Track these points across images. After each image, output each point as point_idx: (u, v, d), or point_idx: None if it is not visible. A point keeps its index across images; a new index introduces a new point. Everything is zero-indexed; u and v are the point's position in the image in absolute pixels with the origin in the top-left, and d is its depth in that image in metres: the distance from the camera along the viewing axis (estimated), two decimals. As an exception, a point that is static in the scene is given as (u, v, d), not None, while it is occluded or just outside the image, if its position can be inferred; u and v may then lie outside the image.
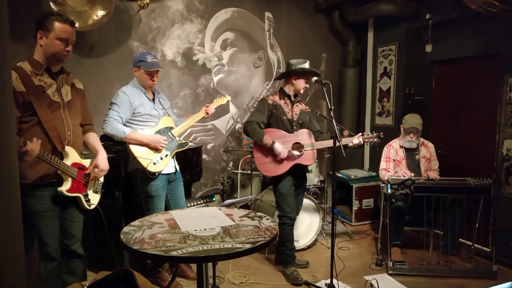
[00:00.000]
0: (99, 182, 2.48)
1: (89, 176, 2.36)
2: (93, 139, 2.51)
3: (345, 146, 3.20)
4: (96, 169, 2.36)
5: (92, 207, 2.41)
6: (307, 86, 3.37)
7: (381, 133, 3.34)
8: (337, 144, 2.89)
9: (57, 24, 2.13)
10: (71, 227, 2.38)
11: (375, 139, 3.32)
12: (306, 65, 3.32)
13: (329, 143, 3.15)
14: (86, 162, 2.37)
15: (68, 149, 2.23)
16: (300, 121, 3.39)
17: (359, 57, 5.24)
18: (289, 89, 3.38)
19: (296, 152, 3.25)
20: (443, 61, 4.38)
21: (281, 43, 5.08)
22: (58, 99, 2.23)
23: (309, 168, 3.91)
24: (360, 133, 3.33)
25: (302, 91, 3.39)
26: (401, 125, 3.84)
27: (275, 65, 5.07)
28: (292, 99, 3.38)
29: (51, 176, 2.19)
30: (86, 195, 2.35)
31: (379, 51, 5.02)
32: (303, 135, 3.32)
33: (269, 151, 3.23)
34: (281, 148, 3.19)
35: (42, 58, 2.17)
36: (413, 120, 3.76)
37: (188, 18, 4.49)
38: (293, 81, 3.33)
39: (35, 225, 2.22)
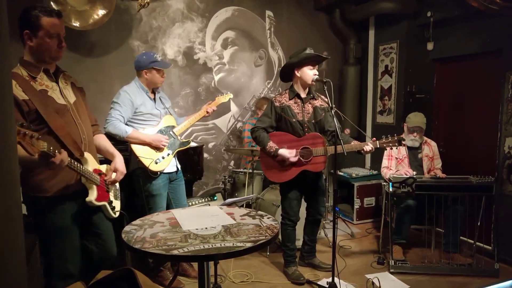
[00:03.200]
0: (116, 188, 2.35)
1: (108, 182, 2.21)
2: (104, 142, 2.34)
3: (358, 152, 3.06)
4: (116, 173, 2.22)
5: (117, 214, 2.26)
6: (316, 73, 3.04)
7: (402, 135, 3.07)
8: (343, 149, 2.76)
9: (45, 19, 1.88)
10: (107, 242, 2.22)
11: (395, 144, 3.01)
12: (307, 51, 3.03)
13: (339, 148, 2.79)
14: (103, 168, 2.22)
15: (86, 155, 2.07)
16: (313, 121, 3.15)
17: (360, 55, 5.23)
18: (298, 87, 3.14)
19: (302, 159, 3.07)
20: (444, 59, 4.37)
21: (282, 41, 5.07)
22: (64, 102, 2.03)
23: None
24: (374, 139, 3.07)
25: (312, 81, 3.04)
26: (405, 124, 3.83)
27: (276, 63, 5.07)
28: (303, 97, 3.15)
29: (74, 185, 2.03)
30: (110, 202, 2.20)
31: (380, 49, 5.01)
32: (312, 139, 3.08)
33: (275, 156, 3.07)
34: (287, 153, 3.02)
35: (35, 60, 1.95)
36: (417, 119, 3.73)
37: (189, 17, 4.49)
38: (297, 74, 3.08)
39: (56, 240, 2.03)
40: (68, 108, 2.04)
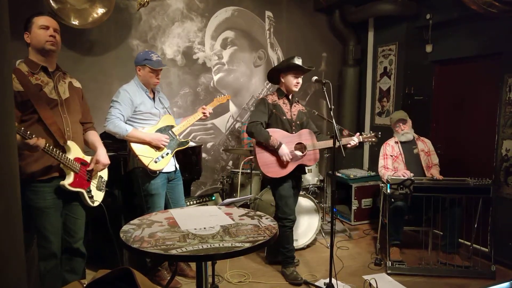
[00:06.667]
0: (102, 180, 2.51)
1: (91, 172, 2.39)
2: (93, 137, 2.55)
3: (344, 147, 3.15)
4: (97, 164, 2.40)
5: (96, 204, 2.42)
6: (299, 82, 3.21)
7: (379, 133, 3.39)
8: (337, 144, 2.89)
9: (36, 18, 2.21)
10: (74, 225, 2.40)
11: (373, 139, 3.36)
12: (295, 61, 3.18)
13: (330, 143, 3.09)
14: (89, 159, 2.40)
15: (70, 143, 2.25)
16: (298, 122, 3.32)
17: (359, 57, 5.23)
18: (283, 90, 3.29)
19: (298, 153, 3.20)
20: (443, 61, 4.38)
21: (281, 42, 5.08)
22: (56, 97, 2.26)
23: (309, 167, 3.91)
24: (358, 133, 3.34)
25: (294, 88, 3.22)
26: (391, 125, 3.94)
27: (275, 64, 5.06)
28: (290, 99, 3.31)
29: (53, 169, 2.22)
30: (89, 191, 2.37)
31: (379, 50, 5.02)
32: (305, 135, 3.26)
33: (272, 152, 3.14)
34: (286, 151, 3.10)
35: (36, 56, 2.23)
36: (397, 114, 3.90)
37: (188, 17, 4.49)
38: (282, 80, 3.25)
39: (38, 221, 2.21)
40: (57, 102, 2.27)
